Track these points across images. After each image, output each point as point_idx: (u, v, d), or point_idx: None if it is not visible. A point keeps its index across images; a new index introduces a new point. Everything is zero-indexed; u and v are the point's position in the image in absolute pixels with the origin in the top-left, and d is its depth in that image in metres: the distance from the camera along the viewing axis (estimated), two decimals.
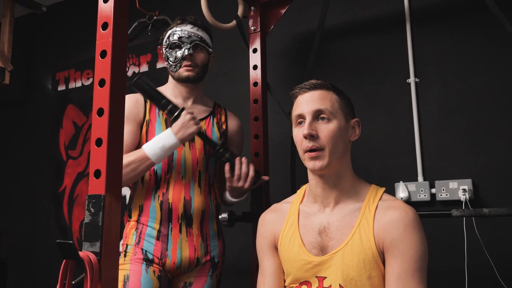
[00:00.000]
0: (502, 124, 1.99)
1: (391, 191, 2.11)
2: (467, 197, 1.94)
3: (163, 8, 3.02)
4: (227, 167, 1.69)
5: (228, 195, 1.77)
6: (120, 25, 1.11)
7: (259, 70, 2.10)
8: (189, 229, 1.67)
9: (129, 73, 3.10)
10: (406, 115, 2.18)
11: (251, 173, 1.69)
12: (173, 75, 1.77)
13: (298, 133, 1.26)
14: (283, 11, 2.18)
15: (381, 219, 1.19)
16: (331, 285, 1.18)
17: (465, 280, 1.92)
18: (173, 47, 1.74)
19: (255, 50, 2.13)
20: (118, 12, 1.11)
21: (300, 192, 1.39)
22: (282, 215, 1.35)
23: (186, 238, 1.66)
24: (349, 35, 2.41)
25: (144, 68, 3.06)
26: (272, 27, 2.19)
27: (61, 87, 3.48)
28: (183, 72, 1.73)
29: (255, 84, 2.09)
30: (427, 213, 1.79)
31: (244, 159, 1.70)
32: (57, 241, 0.97)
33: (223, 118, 1.85)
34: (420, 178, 2.10)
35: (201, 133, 1.67)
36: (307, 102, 1.25)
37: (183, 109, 1.63)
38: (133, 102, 1.70)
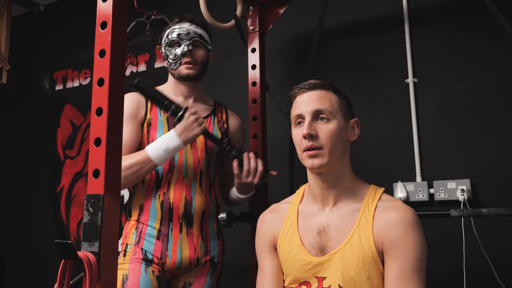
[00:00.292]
0: (501, 125, 2.00)
1: (390, 191, 2.11)
2: (466, 197, 1.94)
3: (161, 7, 3.02)
4: (235, 163, 1.68)
5: (235, 192, 1.76)
6: (119, 24, 1.11)
7: (257, 70, 2.09)
8: (190, 229, 1.67)
9: (127, 73, 3.09)
10: (405, 115, 2.18)
11: (260, 167, 1.69)
12: (173, 73, 1.76)
13: (298, 133, 1.26)
14: (281, 10, 2.18)
15: (380, 219, 1.19)
16: (330, 286, 1.18)
17: (463, 280, 1.92)
18: (172, 44, 1.74)
19: (253, 50, 2.13)
20: (117, 11, 1.11)
21: (299, 192, 1.39)
22: (281, 216, 1.34)
23: (186, 238, 1.66)
24: (348, 35, 2.41)
25: (142, 67, 3.06)
26: (270, 26, 2.18)
27: (59, 87, 3.47)
28: (183, 70, 1.72)
29: (254, 84, 2.09)
30: (426, 213, 1.79)
31: (252, 154, 1.70)
32: (56, 241, 0.96)
33: (224, 117, 1.85)
34: (418, 178, 2.10)
35: (206, 132, 1.66)
36: (306, 102, 1.25)
37: (186, 109, 1.61)
38: (134, 101, 1.69)
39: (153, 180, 1.67)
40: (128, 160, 1.54)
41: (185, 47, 1.71)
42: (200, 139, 1.73)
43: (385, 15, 2.31)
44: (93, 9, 1.13)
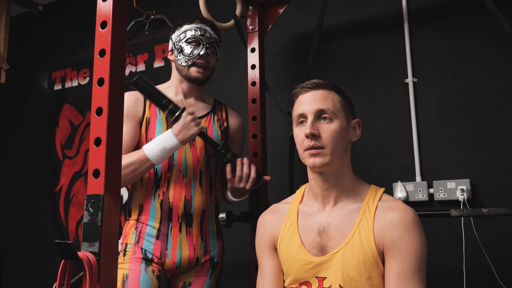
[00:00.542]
0: (500, 124, 2.00)
1: (389, 191, 2.11)
2: (465, 197, 1.94)
3: (160, 7, 3.01)
4: (228, 168, 1.68)
5: (229, 195, 1.77)
6: (119, 24, 1.11)
7: (257, 70, 2.09)
8: (189, 229, 1.67)
9: (126, 73, 3.09)
10: (404, 115, 2.18)
11: (253, 174, 1.68)
12: (181, 69, 1.74)
13: (299, 132, 1.25)
14: (281, 10, 2.18)
15: (381, 219, 1.19)
16: (331, 286, 1.18)
17: (463, 280, 1.92)
18: (191, 41, 1.72)
19: (253, 50, 2.13)
20: (117, 11, 1.10)
21: (299, 192, 1.38)
22: (281, 216, 1.34)
23: (186, 238, 1.65)
24: (347, 35, 2.40)
25: (141, 67, 3.05)
26: (270, 26, 2.18)
27: (57, 86, 3.46)
28: (194, 72, 1.71)
29: (253, 83, 2.09)
30: (426, 213, 1.79)
31: (245, 160, 1.69)
32: (56, 241, 0.96)
33: (224, 115, 1.84)
34: (418, 178, 2.10)
35: (202, 134, 1.66)
36: (309, 101, 1.25)
37: (184, 109, 1.61)
38: (132, 100, 1.69)
39: (152, 179, 1.67)
40: (125, 160, 1.53)
41: (204, 50, 1.71)
42: (201, 138, 1.72)
43: (384, 15, 2.31)
44: (92, 9, 1.13)
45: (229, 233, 2.04)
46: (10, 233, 3.46)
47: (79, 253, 0.96)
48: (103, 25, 1.10)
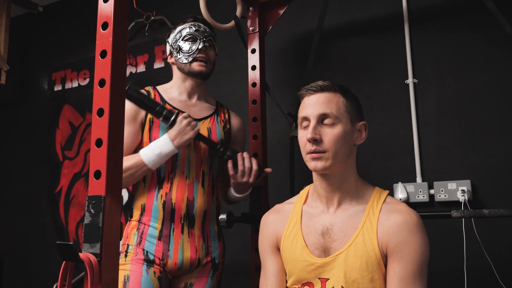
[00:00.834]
0: (501, 125, 2.00)
1: (390, 192, 2.10)
2: (466, 198, 1.94)
3: (161, 8, 3.02)
4: (230, 164, 1.69)
5: (233, 192, 1.77)
6: (120, 25, 1.11)
7: (257, 71, 2.09)
8: (191, 230, 1.67)
9: (126, 73, 3.08)
10: (405, 116, 2.18)
11: (255, 166, 1.69)
12: (183, 67, 1.75)
13: (303, 135, 1.25)
14: (281, 11, 2.18)
15: (385, 222, 1.19)
16: (333, 287, 1.18)
17: (464, 281, 1.92)
18: (188, 39, 1.74)
19: (253, 51, 2.13)
20: (119, 12, 1.11)
21: (303, 192, 1.38)
22: (284, 216, 1.34)
23: (188, 239, 1.65)
24: (347, 35, 2.41)
25: (141, 68, 3.05)
26: (270, 27, 2.18)
27: (58, 87, 3.46)
28: (196, 66, 1.73)
29: (254, 84, 2.09)
30: (427, 214, 1.79)
31: (245, 154, 1.70)
32: (57, 242, 0.96)
33: (226, 117, 1.85)
34: (418, 179, 2.10)
35: (199, 136, 1.66)
36: (313, 105, 1.24)
37: (178, 114, 1.62)
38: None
39: (155, 180, 1.67)
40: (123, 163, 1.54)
41: (202, 43, 1.73)
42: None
43: (385, 15, 2.31)
44: (92, 9, 1.13)
45: (229, 234, 2.04)
46: (10, 234, 3.45)
47: (80, 254, 0.96)
48: (104, 26, 1.10)
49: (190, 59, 1.72)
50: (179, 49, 1.74)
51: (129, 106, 1.65)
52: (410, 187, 2.09)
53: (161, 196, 1.65)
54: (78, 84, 3.35)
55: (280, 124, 2.40)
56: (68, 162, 3.28)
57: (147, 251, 1.61)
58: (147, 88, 1.77)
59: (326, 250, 1.22)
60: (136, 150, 1.67)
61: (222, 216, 1.88)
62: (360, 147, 1.23)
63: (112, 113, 1.05)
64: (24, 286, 3.28)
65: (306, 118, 1.25)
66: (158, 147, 1.58)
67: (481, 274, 1.92)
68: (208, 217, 1.71)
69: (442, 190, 2.02)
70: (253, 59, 2.12)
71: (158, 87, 1.78)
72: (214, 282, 1.71)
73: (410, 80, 2.18)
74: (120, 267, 1.58)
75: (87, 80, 3.31)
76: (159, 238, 1.63)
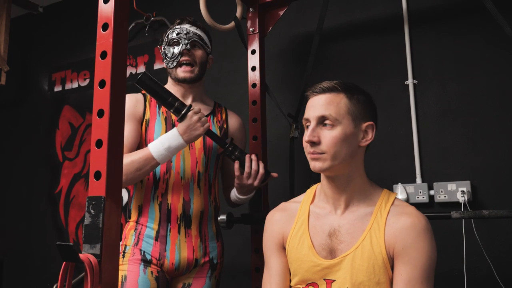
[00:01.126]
0: (501, 126, 2.00)
1: None
2: (466, 199, 1.94)
3: (161, 9, 3.02)
4: (236, 165, 1.67)
5: (236, 193, 1.76)
6: (121, 26, 1.11)
7: (257, 72, 2.09)
8: (188, 230, 1.67)
9: (126, 74, 3.08)
10: (405, 117, 2.18)
11: (261, 170, 1.68)
12: (170, 72, 1.76)
13: (304, 137, 1.26)
14: (281, 12, 2.18)
15: (392, 224, 1.18)
16: None
17: (464, 282, 1.92)
18: (171, 43, 1.74)
19: (253, 52, 2.13)
20: (119, 13, 1.10)
21: (310, 192, 1.37)
22: (291, 215, 1.33)
23: (184, 239, 1.66)
24: (347, 36, 2.41)
25: (142, 69, 3.05)
26: (270, 28, 2.18)
27: (58, 88, 3.46)
28: (180, 73, 1.72)
29: (254, 85, 2.09)
30: (426, 215, 1.78)
31: (254, 157, 1.69)
32: (58, 243, 0.96)
33: (223, 117, 1.85)
34: (418, 179, 2.10)
35: (209, 132, 1.65)
36: (314, 106, 1.24)
37: (190, 107, 1.59)
38: (132, 101, 1.70)
39: (151, 181, 1.67)
40: (129, 157, 1.53)
41: (183, 46, 1.71)
42: (199, 139, 1.72)
43: (384, 16, 2.31)
44: (92, 10, 1.13)
45: (229, 235, 2.04)
46: (9, 234, 3.45)
47: (80, 255, 0.96)
48: (105, 27, 1.10)
49: (174, 63, 1.72)
50: (165, 55, 1.75)
51: (128, 104, 1.65)
52: (410, 188, 2.09)
53: (157, 197, 1.65)
54: (78, 84, 3.35)
55: (280, 125, 2.40)
56: (68, 163, 3.28)
57: (144, 251, 1.61)
58: (143, 91, 1.77)
59: (332, 252, 1.22)
60: (137, 149, 1.67)
61: (222, 217, 1.87)
62: None
63: (112, 114, 1.05)
64: (24, 287, 3.28)
65: (307, 120, 1.25)
66: (167, 141, 1.56)
67: (481, 275, 1.92)
68: (206, 217, 1.71)
69: (442, 191, 2.02)
70: (253, 60, 2.12)
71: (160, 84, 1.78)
72: (213, 282, 1.71)
73: (410, 81, 2.18)
74: None
75: (87, 80, 3.31)
76: (156, 239, 1.63)
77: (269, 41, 2.45)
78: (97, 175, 1.03)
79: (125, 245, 1.65)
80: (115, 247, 1.03)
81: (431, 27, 2.20)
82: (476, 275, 1.93)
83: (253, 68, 2.10)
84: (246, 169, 1.66)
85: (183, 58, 1.72)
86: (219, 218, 1.84)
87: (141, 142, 1.68)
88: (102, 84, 1.07)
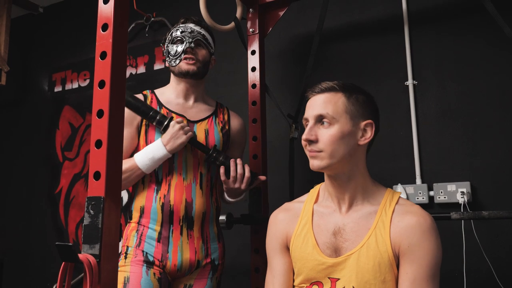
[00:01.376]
0: (500, 127, 2.00)
1: None
2: (466, 199, 1.94)
3: (161, 9, 3.02)
4: (222, 170, 1.68)
5: (226, 196, 1.79)
6: (120, 26, 1.11)
7: (257, 72, 2.09)
8: (190, 231, 1.67)
9: (126, 75, 3.09)
10: (404, 118, 2.18)
11: (247, 173, 1.69)
12: (173, 69, 1.76)
13: (303, 135, 1.27)
14: (281, 13, 2.18)
15: (398, 223, 1.19)
16: (344, 287, 1.18)
17: (463, 283, 1.92)
18: (175, 41, 1.75)
19: (253, 52, 2.13)
20: (118, 13, 1.10)
21: (313, 191, 1.37)
22: (295, 215, 1.33)
23: (187, 241, 1.65)
24: (347, 37, 2.41)
25: (142, 69, 3.05)
26: (270, 29, 2.19)
27: (58, 88, 3.46)
28: (183, 65, 1.73)
29: (254, 86, 2.09)
30: None
31: (239, 161, 1.70)
32: (57, 243, 0.96)
33: (225, 118, 1.84)
34: (418, 180, 2.10)
35: (192, 140, 1.67)
36: (312, 106, 1.26)
37: (171, 118, 1.64)
38: None
39: (153, 182, 1.67)
40: None
41: (187, 44, 1.72)
42: (201, 140, 1.73)
43: (384, 17, 2.31)
44: (92, 11, 1.13)
45: (229, 236, 2.04)
46: (9, 234, 3.45)
47: (79, 255, 0.96)
48: (104, 27, 1.10)
49: (178, 61, 1.73)
50: (168, 53, 1.75)
51: (125, 110, 1.66)
52: (410, 188, 2.09)
53: (160, 198, 1.65)
54: (78, 85, 3.35)
55: (280, 126, 2.40)
56: (68, 163, 3.28)
57: (146, 253, 1.61)
58: (144, 92, 1.77)
59: (337, 250, 1.22)
60: (133, 153, 1.68)
61: (222, 217, 1.87)
62: None
63: (112, 114, 1.05)
64: (24, 287, 3.28)
65: (306, 119, 1.27)
66: (151, 152, 1.61)
67: (480, 276, 1.92)
68: (208, 218, 1.71)
69: (441, 192, 2.02)
70: (253, 61, 2.12)
71: (155, 91, 1.78)
72: (214, 283, 1.71)
73: (410, 82, 2.18)
74: (119, 268, 1.59)
75: (87, 81, 3.31)
76: (158, 240, 1.63)
77: (269, 41, 2.45)
78: (97, 176, 1.03)
79: (127, 246, 1.64)
80: (114, 248, 1.03)
81: (431, 27, 2.20)
82: (476, 276, 1.93)
83: (253, 69, 2.11)
84: (232, 173, 1.67)
85: (186, 56, 1.73)
86: (219, 219, 1.83)
87: (141, 145, 1.69)
88: (101, 84, 1.07)
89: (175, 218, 1.65)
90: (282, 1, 2.16)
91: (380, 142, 2.19)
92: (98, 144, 1.04)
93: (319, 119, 1.24)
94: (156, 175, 1.67)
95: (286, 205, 1.41)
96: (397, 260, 1.17)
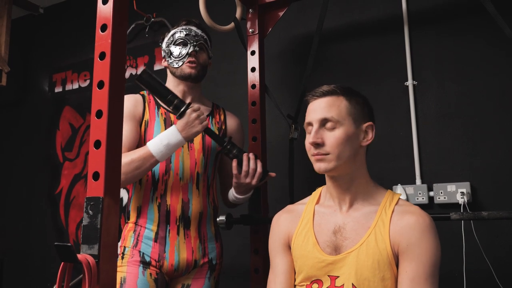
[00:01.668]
0: (500, 127, 1.99)
1: None
2: (465, 200, 1.93)
3: (161, 10, 3.02)
4: (234, 163, 1.68)
5: (233, 192, 1.76)
6: (119, 26, 1.11)
7: (257, 72, 2.10)
8: (187, 231, 1.67)
9: (127, 75, 3.09)
10: (404, 118, 2.18)
11: (259, 169, 1.69)
12: (174, 71, 1.76)
13: (307, 139, 1.29)
14: (281, 13, 2.18)
15: (397, 222, 1.21)
16: (343, 285, 1.19)
17: (463, 283, 1.92)
18: (178, 43, 1.75)
19: (253, 52, 2.13)
20: (117, 14, 1.11)
21: (315, 194, 1.41)
22: (297, 215, 1.36)
23: (183, 240, 1.66)
24: (347, 37, 2.41)
25: (142, 69, 3.05)
26: (270, 29, 2.19)
27: (58, 89, 3.46)
28: (186, 68, 1.73)
29: (253, 86, 2.09)
30: None
31: (251, 155, 1.70)
32: (56, 243, 0.96)
33: (222, 118, 1.85)
34: (418, 181, 2.10)
35: (208, 130, 1.65)
36: (315, 110, 1.29)
37: (189, 105, 1.60)
38: (132, 101, 1.71)
39: (150, 182, 1.67)
40: (128, 157, 1.53)
41: (192, 47, 1.73)
42: (198, 139, 1.73)
43: (384, 18, 2.31)
44: (93, 11, 1.13)
45: (228, 236, 2.04)
46: (10, 234, 3.46)
47: (78, 255, 0.96)
48: (103, 28, 1.10)
49: (180, 63, 1.73)
50: (170, 54, 1.75)
51: (127, 104, 1.66)
52: (410, 189, 2.08)
53: (156, 198, 1.65)
54: (79, 85, 3.36)
55: (280, 126, 2.40)
56: (68, 164, 3.29)
57: (143, 253, 1.61)
58: (142, 92, 1.78)
59: (337, 248, 1.24)
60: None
61: (221, 218, 1.87)
62: None
63: (111, 114, 1.06)
64: (24, 287, 3.28)
65: (310, 124, 1.29)
66: (166, 138, 1.56)
67: (480, 277, 1.91)
68: (205, 218, 1.71)
69: (441, 192, 2.02)
70: (253, 61, 2.12)
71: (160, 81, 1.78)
72: (212, 283, 1.71)
73: (409, 82, 2.18)
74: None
75: (88, 81, 3.31)
76: (155, 240, 1.63)
77: (269, 42, 2.45)
78: (96, 176, 1.03)
79: (124, 247, 1.65)
80: (113, 248, 1.03)
81: (431, 27, 2.19)
82: (475, 277, 1.93)
83: (253, 69, 2.11)
84: (244, 168, 1.67)
85: (189, 59, 1.73)
86: (218, 219, 1.84)
87: (140, 143, 1.68)
88: (100, 85, 1.08)
89: (172, 218, 1.65)
90: (282, 1, 2.16)
91: (380, 143, 2.20)
92: (97, 144, 1.05)
93: (324, 123, 1.26)
94: (153, 175, 1.67)
95: (289, 207, 1.44)
96: (396, 259, 1.18)
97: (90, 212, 1.01)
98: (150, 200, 1.66)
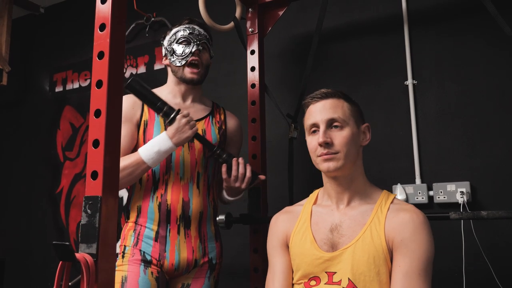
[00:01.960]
0: (500, 127, 1.99)
1: None
2: (465, 199, 1.93)
3: (161, 9, 3.02)
4: (224, 168, 1.70)
5: (225, 194, 1.80)
6: (118, 26, 1.11)
7: (256, 72, 2.10)
8: (187, 231, 1.67)
9: (127, 74, 3.10)
10: (404, 117, 2.18)
11: (248, 174, 1.71)
12: (176, 71, 1.75)
13: (312, 140, 1.32)
14: (281, 13, 2.18)
15: (392, 218, 1.24)
16: (340, 280, 1.22)
17: (463, 283, 1.91)
18: (182, 41, 1.74)
19: (253, 52, 2.13)
20: (116, 13, 1.11)
21: (312, 195, 1.44)
22: (294, 216, 1.40)
23: (184, 240, 1.66)
24: (347, 37, 2.41)
25: (142, 69, 3.06)
26: (270, 29, 2.19)
27: (59, 88, 3.47)
28: (188, 74, 1.73)
29: (253, 86, 2.09)
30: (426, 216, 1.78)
31: (241, 160, 1.71)
32: (53, 242, 0.96)
33: (222, 118, 1.85)
34: (418, 180, 2.09)
35: (197, 135, 1.67)
36: (320, 111, 1.31)
37: (178, 111, 1.62)
38: (130, 103, 1.69)
39: (150, 181, 1.67)
40: (121, 162, 1.54)
41: (195, 46, 1.73)
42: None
43: (384, 17, 2.31)
44: (93, 11, 1.13)
45: (228, 235, 2.04)
46: (10, 234, 3.46)
47: (76, 254, 0.97)
48: (102, 27, 1.10)
49: (183, 62, 1.72)
50: (173, 52, 1.75)
51: (125, 106, 1.65)
52: (409, 188, 2.08)
53: (157, 197, 1.66)
54: (79, 85, 3.36)
55: (279, 125, 2.40)
56: (69, 163, 3.29)
57: (144, 252, 1.62)
58: None
59: (334, 245, 1.27)
60: (132, 152, 1.67)
61: (221, 217, 1.88)
62: None
63: (109, 114, 1.06)
64: (25, 286, 3.29)
65: (314, 125, 1.32)
66: (156, 144, 1.59)
67: (479, 276, 1.91)
68: (205, 218, 1.72)
69: (441, 192, 2.02)
70: (252, 60, 2.12)
71: (153, 90, 1.78)
72: (211, 282, 1.71)
73: (409, 82, 2.18)
74: (117, 268, 1.59)
75: (88, 81, 3.32)
76: (156, 239, 1.63)
77: (269, 41, 2.45)
78: (94, 175, 1.04)
79: (125, 246, 1.65)
80: (112, 247, 1.03)
81: (431, 27, 2.19)
82: (475, 276, 1.93)
83: (252, 69, 2.11)
84: (233, 172, 1.69)
85: (192, 58, 1.73)
86: (218, 218, 1.84)
87: (139, 144, 1.68)
88: (99, 84, 1.08)
89: (172, 218, 1.65)
90: (281, 1, 2.16)
91: (380, 142, 2.20)
92: (96, 143, 1.05)
93: (330, 123, 1.29)
94: (154, 175, 1.67)
95: (286, 208, 1.48)
96: (391, 254, 1.22)
97: (89, 211, 1.01)
98: (151, 199, 1.66)
